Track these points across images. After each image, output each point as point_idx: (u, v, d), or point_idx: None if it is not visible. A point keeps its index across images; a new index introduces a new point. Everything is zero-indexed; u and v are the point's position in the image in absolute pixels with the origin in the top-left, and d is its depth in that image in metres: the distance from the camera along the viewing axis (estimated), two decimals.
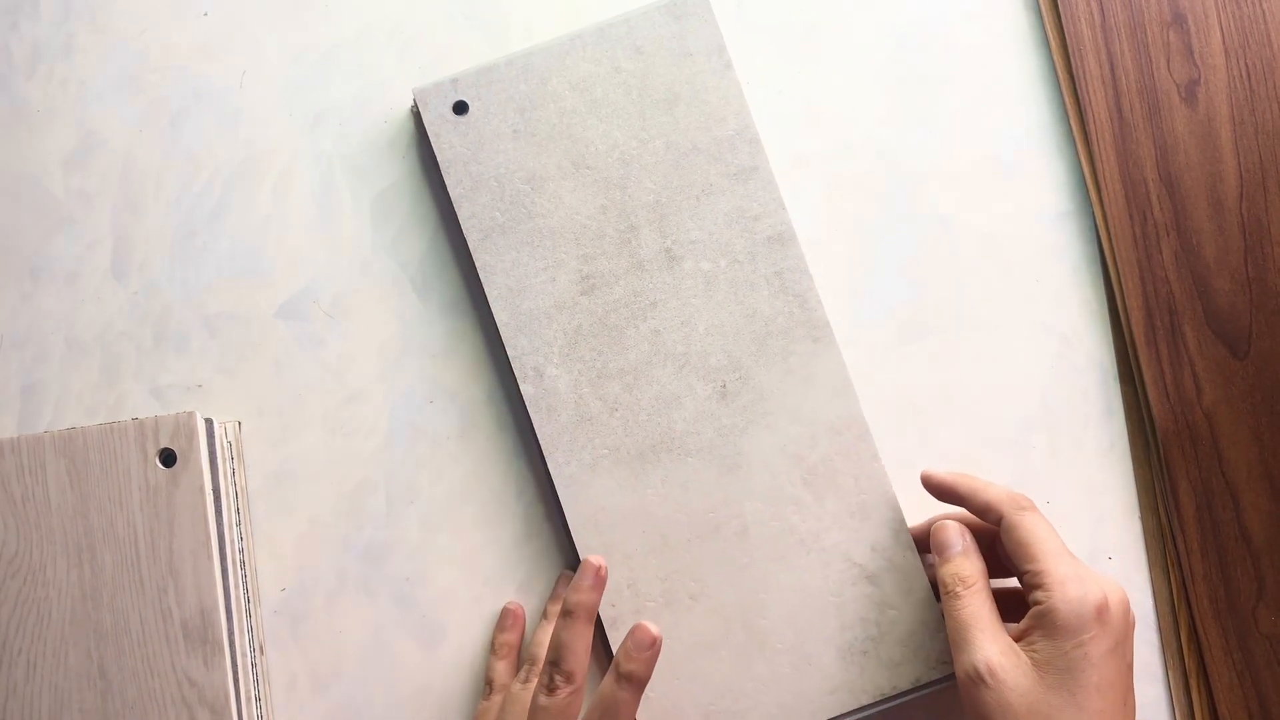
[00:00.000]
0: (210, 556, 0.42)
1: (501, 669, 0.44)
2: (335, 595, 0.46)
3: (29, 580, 0.42)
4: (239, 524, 0.45)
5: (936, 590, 0.41)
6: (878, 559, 0.42)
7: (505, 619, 0.45)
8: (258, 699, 0.44)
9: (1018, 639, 0.36)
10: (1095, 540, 0.46)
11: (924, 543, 0.42)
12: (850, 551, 0.42)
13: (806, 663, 0.41)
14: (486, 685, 0.44)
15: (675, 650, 0.42)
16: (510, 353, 0.44)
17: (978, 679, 0.35)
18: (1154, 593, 0.45)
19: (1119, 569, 0.46)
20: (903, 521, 0.42)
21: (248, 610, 0.44)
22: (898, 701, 0.41)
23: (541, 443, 0.43)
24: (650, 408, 0.43)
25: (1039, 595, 0.36)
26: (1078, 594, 0.35)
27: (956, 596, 0.37)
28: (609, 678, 0.38)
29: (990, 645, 0.36)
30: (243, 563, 0.44)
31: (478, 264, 0.44)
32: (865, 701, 0.41)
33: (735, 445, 0.43)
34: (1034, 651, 0.35)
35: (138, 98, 0.49)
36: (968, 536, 0.39)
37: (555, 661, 0.38)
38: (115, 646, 0.41)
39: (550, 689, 0.38)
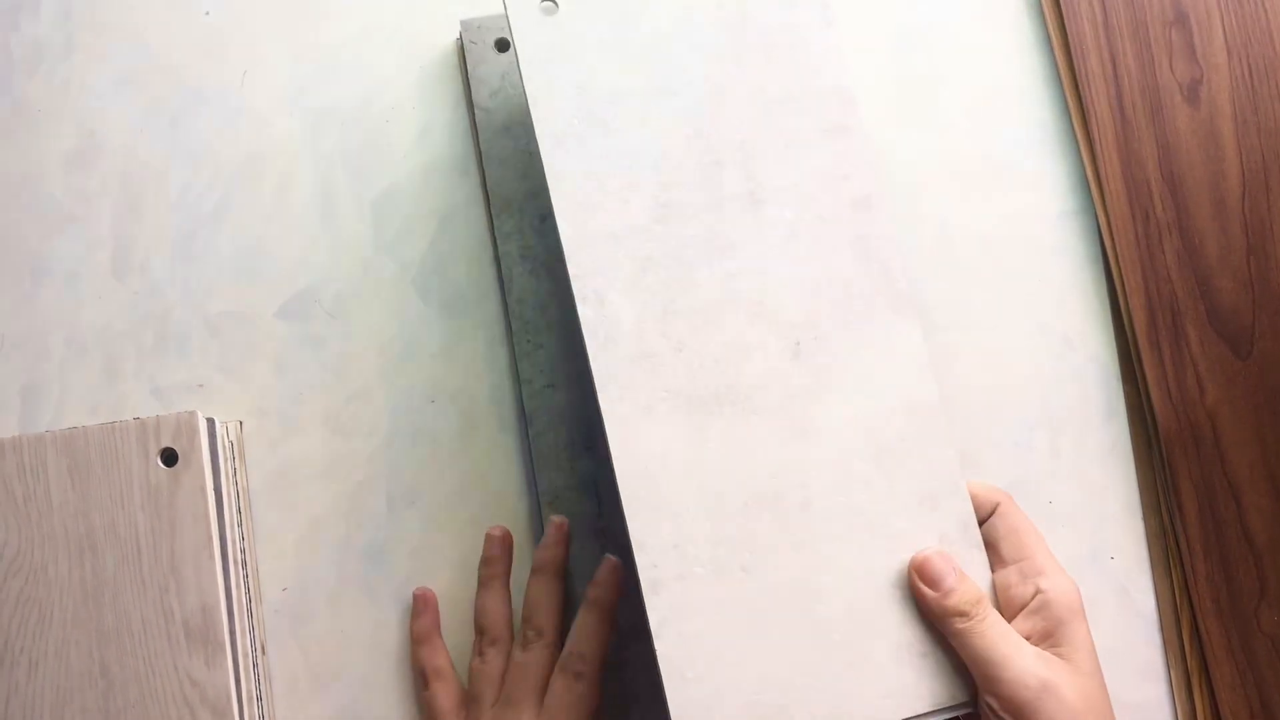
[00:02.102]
0: (212, 556, 0.42)
1: (428, 655, 0.44)
2: (336, 595, 0.46)
3: (31, 580, 0.42)
4: (240, 524, 0.45)
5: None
6: (945, 549, 0.38)
7: (417, 604, 0.45)
8: (259, 699, 0.44)
9: (1027, 636, 0.36)
10: (1097, 540, 0.46)
11: None
12: (918, 541, 0.38)
13: (864, 659, 0.37)
14: (420, 676, 0.44)
15: (720, 628, 0.37)
16: (571, 270, 0.39)
17: (1039, 692, 0.34)
18: (1156, 592, 0.45)
19: (1121, 569, 0.45)
20: (973, 516, 0.39)
21: (249, 610, 0.44)
22: (956, 714, 0.37)
23: (595, 376, 0.38)
24: (718, 354, 0.39)
25: (1040, 583, 0.37)
26: (1071, 582, 0.37)
27: (979, 620, 0.36)
28: (581, 607, 0.41)
29: (1029, 659, 0.35)
30: (244, 562, 0.44)
31: (548, 170, 0.40)
32: (921, 710, 0.37)
33: (805, 409, 0.39)
34: (1055, 645, 0.36)
35: (138, 98, 0.49)
36: (953, 560, 0.37)
37: (527, 618, 0.41)
38: (117, 646, 0.41)
39: (524, 644, 0.41)
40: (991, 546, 0.38)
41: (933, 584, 0.36)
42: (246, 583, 0.44)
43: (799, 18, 0.42)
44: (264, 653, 0.45)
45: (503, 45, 0.48)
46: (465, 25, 0.47)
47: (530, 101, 0.41)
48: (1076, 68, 0.47)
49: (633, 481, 0.38)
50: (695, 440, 0.38)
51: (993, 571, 0.38)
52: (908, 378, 0.40)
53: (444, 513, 0.46)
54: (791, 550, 0.38)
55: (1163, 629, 0.45)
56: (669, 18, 0.42)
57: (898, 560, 0.38)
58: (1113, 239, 0.47)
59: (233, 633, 0.42)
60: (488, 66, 0.48)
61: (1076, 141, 0.48)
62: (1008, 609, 0.37)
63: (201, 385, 0.47)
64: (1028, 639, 0.36)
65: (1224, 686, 0.44)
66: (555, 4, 0.41)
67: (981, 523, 0.39)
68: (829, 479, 0.38)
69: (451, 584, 0.46)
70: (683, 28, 0.42)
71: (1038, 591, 0.37)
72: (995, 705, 0.35)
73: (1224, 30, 0.47)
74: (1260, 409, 0.45)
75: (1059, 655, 0.36)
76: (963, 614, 0.36)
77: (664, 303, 0.39)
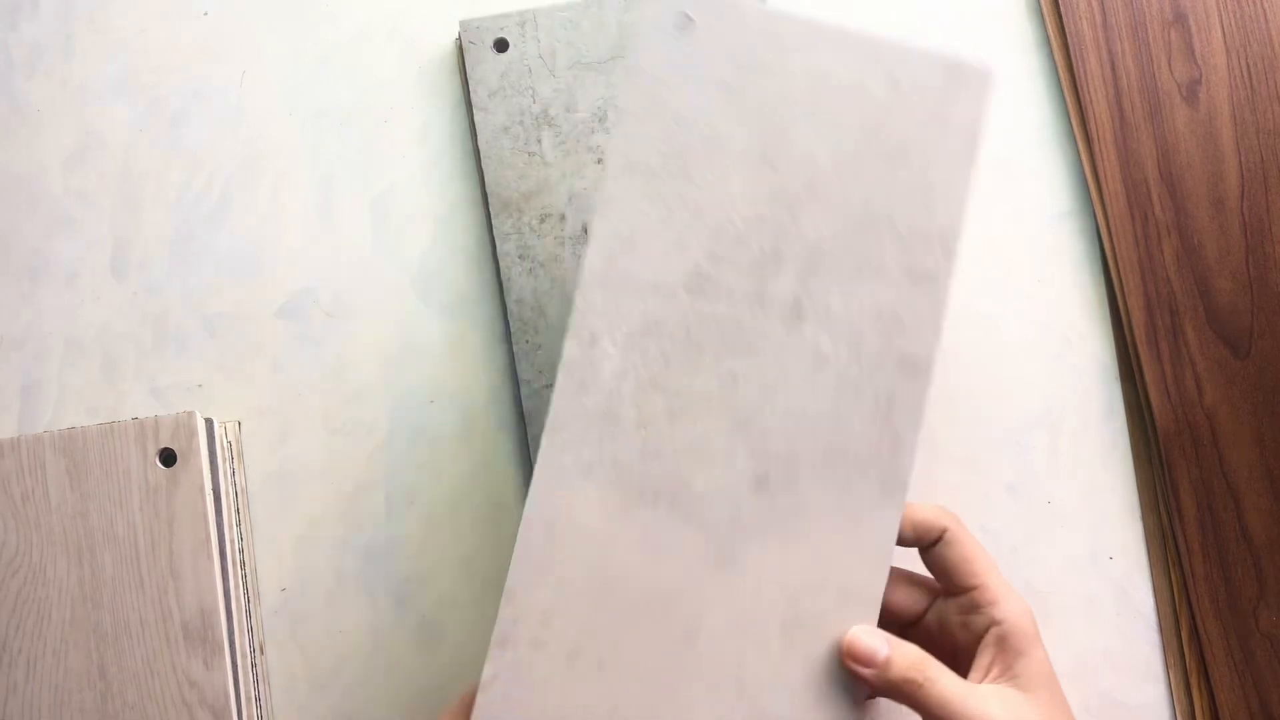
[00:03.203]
0: (210, 557, 0.42)
1: None
2: (335, 595, 0.46)
3: (29, 580, 0.42)
4: (239, 524, 0.45)
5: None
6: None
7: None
8: (258, 699, 0.44)
9: (988, 671, 0.36)
10: (1096, 540, 0.46)
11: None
12: None
13: None
14: None
15: (550, 712, 0.35)
16: (578, 302, 0.36)
17: None
18: (1155, 592, 0.45)
19: (1120, 569, 0.46)
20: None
21: (248, 610, 0.44)
22: None
23: (552, 417, 0.36)
24: (680, 448, 0.36)
25: (993, 613, 0.36)
26: (1024, 604, 0.36)
27: (929, 682, 0.34)
28: None
29: (989, 705, 0.34)
30: (243, 563, 0.44)
31: (603, 192, 0.37)
32: None
33: (740, 543, 0.36)
34: (1014, 678, 0.35)
35: (138, 98, 0.49)
36: (879, 632, 0.35)
37: None
38: (115, 647, 0.41)
39: None
40: (940, 573, 0.37)
41: (868, 662, 0.35)
42: (245, 583, 0.44)
43: (941, 142, 0.37)
44: (263, 653, 0.45)
45: (501, 45, 0.48)
46: (464, 25, 0.47)
47: (619, 113, 0.37)
48: (1075, 68, 0.48)
49: (535, 531, 0.35)
50: (616, 522, 0.36)
51: (944, 600, 0.38)
52: (859, 567, 0.36)
53: (443, 513, 0.46)
54: (657, 671, 0.35)
55: (1161, 629, 0.45)
56: (804, 84, 0.37)
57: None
58: (1111, 239, 0.47)
59: (231, 633, 0.42)
60: (486, 66, 0.48)
61: (1075, 141, 0.48)
62: (963, 641, 0.37)
63: (200, 385, 0.47)
64: (987, 673, 0.35)
65: (1222, 686, 0.44)
66: (693, 20, 0.37)
67: (928, 548, 0.37)
68: (726, 623, 0.35)
69: (451, 584, 0.46)
70: (814, 101, 0.37)
71: (992, 623, 0.36)
72: None
73: (1223, 30, 0.47)
74: (1259, 409, 0.45)
75: (1018, 688, 0.35)
76: (910, 680, 0.34)
77: (654, 373, 0.36)
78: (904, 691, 0.34)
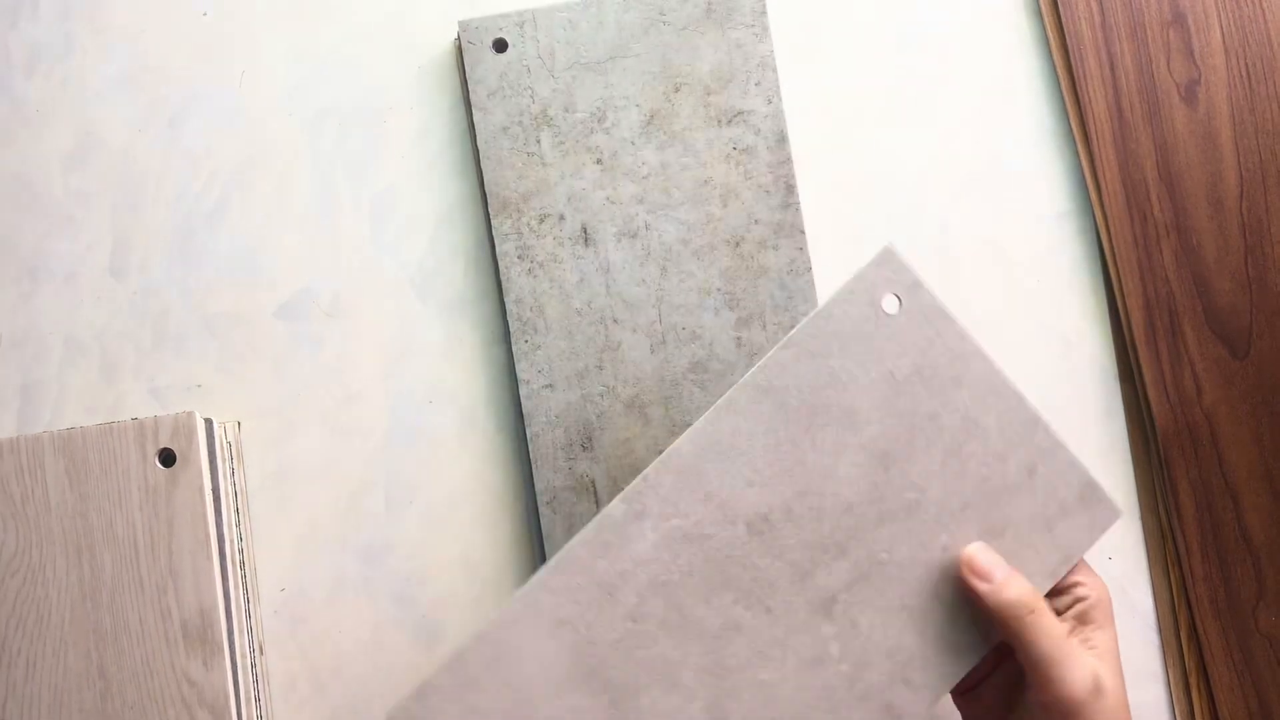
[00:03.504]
0: (210, 557, 0.42)
1: None
2: (335, 595, 0.46)
3: (28, 580, 0.42)
4: (238, 524, 0.45)
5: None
6: None
7: None
8: (257, 699, 0.44)
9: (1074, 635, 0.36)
10: None
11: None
12: None
13: None
14: None
15: None
16: (648, 473, 0.36)
17: (1092, 693, 0.34)
18: (1154, 593, 0.45)
19: (1119, 569, 0.45)
20: None
21: (247, 610, 0.44)
22: None
23: (562, 555, 0.36)
24: (650, 661, 0.35)
25: (1078, 590, 0.36)
26: (1103, 581, 0.37)
27: (1040, 614, 0.35)
28: None
29: (1086, 658, 0.34)
30: (242, 563, 0.44)
31: (729, 395, 0.36)
32: None
33: None
34: (1094, 647, 0.35)
35: (138, 98, 0.49)
36: (997, 556, 0.36)
37: None
38: (115, 647, 0.41)
39: None
40: None
41: (987, 577, 0.35)
42: (244, 583, 0.44)
43: (1042, 548, 0.37)
44: (262, 653, 0.45)
45: (500, 46, 0.48)
46: (463, 26, 0.48)
47: (787, 342, 0.37)
48: (1074, 68, 0.48)
49: (480, 654, 0.35)
50: (551, 687, 0.35)
51: None
52: None
53: (442, 513, 0.46)
54: None
55: (1161, 629, 0.45)
56: (956, 420, 0.37)
57: None
58: (1110, 239, 0.47)
59: (231, 633, 0.42)
60: (486, 67, 0.48)
61: (1074, 142, 0.48)
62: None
63: (200, 385, 0.47)
64: (1093, 648, 0.36)
65: (1222, 687, 0.44)
66: (900, 305, 0.37)
67: None
68: None
69: (450, 584, 0.46)
70: (956, 440, 0.37)
71: (1076, 599, 0.36)
72: (1046, 702, 0.34)
73: (1222, 31, 0.47)
74: (1258, 409, 0.45)
75: (1095, 656, 0.35)
76: (1023, 604, 0.34)
77: (672, 579, 0.36)
78: (1012, 614, 0.34)
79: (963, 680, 0.37)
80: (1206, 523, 0.45)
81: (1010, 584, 0.35)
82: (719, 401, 0.36)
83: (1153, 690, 0.45)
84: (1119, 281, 0.46)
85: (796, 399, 0.37)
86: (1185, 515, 0.45)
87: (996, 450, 0.37)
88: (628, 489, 0.36)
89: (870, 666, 0.36)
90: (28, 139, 0.49)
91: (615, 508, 0.36)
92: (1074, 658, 0.34)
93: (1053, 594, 0.37)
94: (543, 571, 0.35)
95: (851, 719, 0.35)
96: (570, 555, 0.35)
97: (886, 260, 0.37)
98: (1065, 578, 0.37)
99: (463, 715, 0.34)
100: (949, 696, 0.40)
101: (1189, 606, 0.44)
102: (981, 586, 0.35)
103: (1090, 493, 0.37)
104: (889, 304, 0.37)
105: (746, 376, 0.36)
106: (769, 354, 0.37)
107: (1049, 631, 0.34)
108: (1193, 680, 0.44)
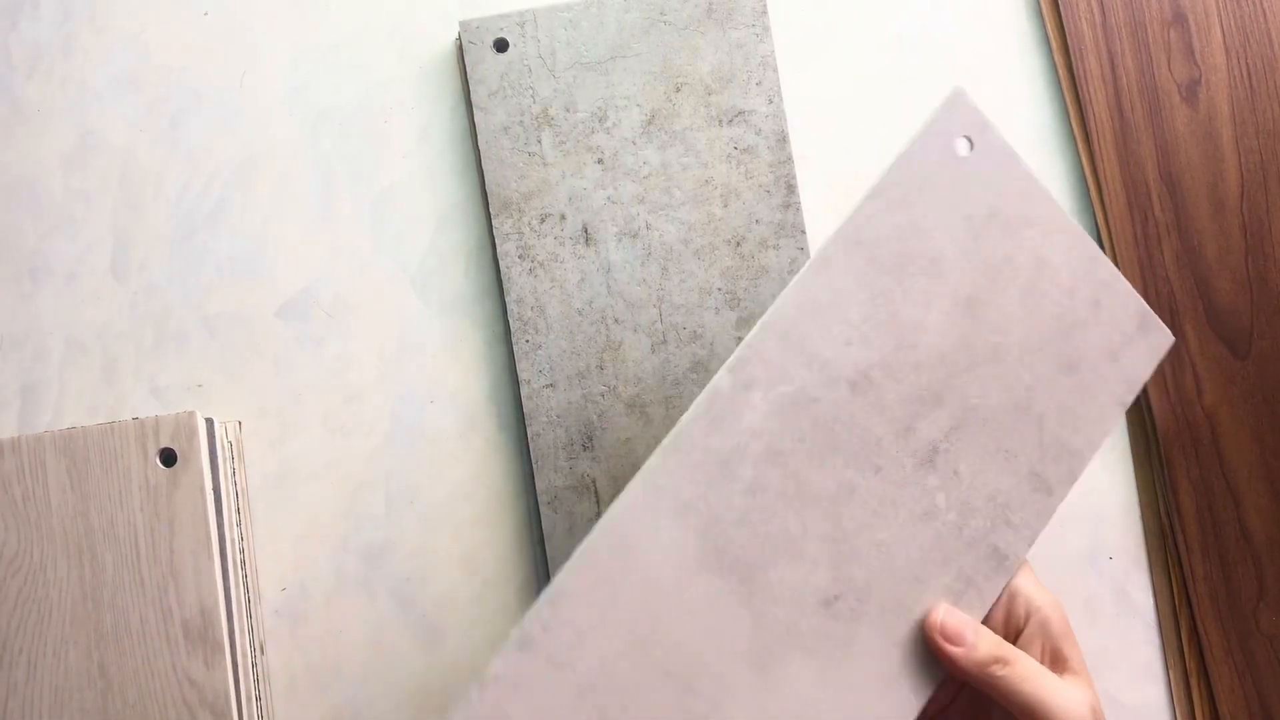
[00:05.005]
0: (210, 556, 0.42)
1: None
2: (335, 595, 0.46)
3: (29, 580, 0.42)
4: (239, 524, 0.45)
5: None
6: None
7: None
8: (258, 699, 0.44)
9: (1042, 661, 0.36)
10: (1095, 540, 0.46)
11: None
12: None
13: None
14: None
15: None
16: (750, 340, 0.35)
17: None
18: (1154, 592, 0.45)
19: (1119, 569, 0.46)
20: None
21: (248, 610, 0.44)
22: None
23: (673, 436, 0.35)
24: (774, 533, 0.35)
25: (1030, 606, 0.36)
26: (1053, 595, 0.37)
27: (1014, 663, 0.35)
28: None
29: (1066, 691, 0.35)
30: (243, 562, 0.44)
31: (821, 251, 0.36)
32: None
33: (783, 655, 0.34)
34: (1067, 662, 0.36)
35: (138, 98, 0.49)
36: (964, 614, 0.36)
37: None
38: (116, 646, 0.41)
39: None
40: None
41: (958, 640, 0.35)
42: (245, 583, 0.44)
43: (1111, 377, 0.37)
44: (263, 653, 0.45)
45: (501, 45, 0.48)
46: (464, 26, 0.48)
47: (873, 193, 0.37)
48: (1075, 68, 0.48)
49: (605, 547, 0.34)
50: (681, 572, 0.34)
51: None
52: (876, 699, 0.35)
53: (443, 513, 0.46)
54: None
55: (1161, 629, 0.45)
56: (1030, 260, 0.37)
57: None
58: (1111, 239, 0.47)
59: (232, 633, 0.42)
60: (486, 66, 0.48)
61: (1075, 142, 0.48)
62: (1006, 639, 0.37)
63: (200, 385, 0.47)
64: (1041, 662, 0.36)
65: (1222, 687, 0.44)
66: (972, 147, 0.37)
67: None
68: None
69: (451, 584, 0.46)
70: (1031, 280, 0.37)
71: (1029, 614, 0.36)
72: None
73: (1222, 31, 0.47)
74: (1258, 409, 0.45)
75: (1073, 673, 0.35)
76: (999, 659, 0.35)
77: (785, 447, 0.35)
78: (986, 673, 0.35)
79: (924, 710, 0.37)
80: (1207, 522, 0.45)
81: (981, 643, 0.35)
82: (812, 259, 0.36)
83: (1153, 690, 0.45)
84: None
85: (885, 250, 0.36)
86: (1186, 515, 0.45)
87: (1066, 287, 0.38)
88: (732, 358, 0.35)
89: (975, 513, 0.36)
90: (28, 139, 0.49)
91: (722, 379, 0.35)
92: (1056, 696, 0.34)
93: (1004, 607, 0.37)
94: (655, 457, 0.34)
95: (963, 566, 0.36)
96: (684, 433, 0.34)
97: (957, 102, 0.37)
98: (1015, 601, 0.37)
99: (597, 615, 0.33)
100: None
101: (1189, 606, 0.44)
102: (955, 651, 0.35)
103: (1147, 320, 0.38)
104: (961, 147, 0.37)
105: (837, 230, 0.36)
106: (856, 206, 0.36)
107: (1028, 677, 0.34)
108: (1193, 680, 0.44)
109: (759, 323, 0.35)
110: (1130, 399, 0.38)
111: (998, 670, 0.34)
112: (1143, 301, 0.39)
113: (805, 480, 0.35)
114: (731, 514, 0.35)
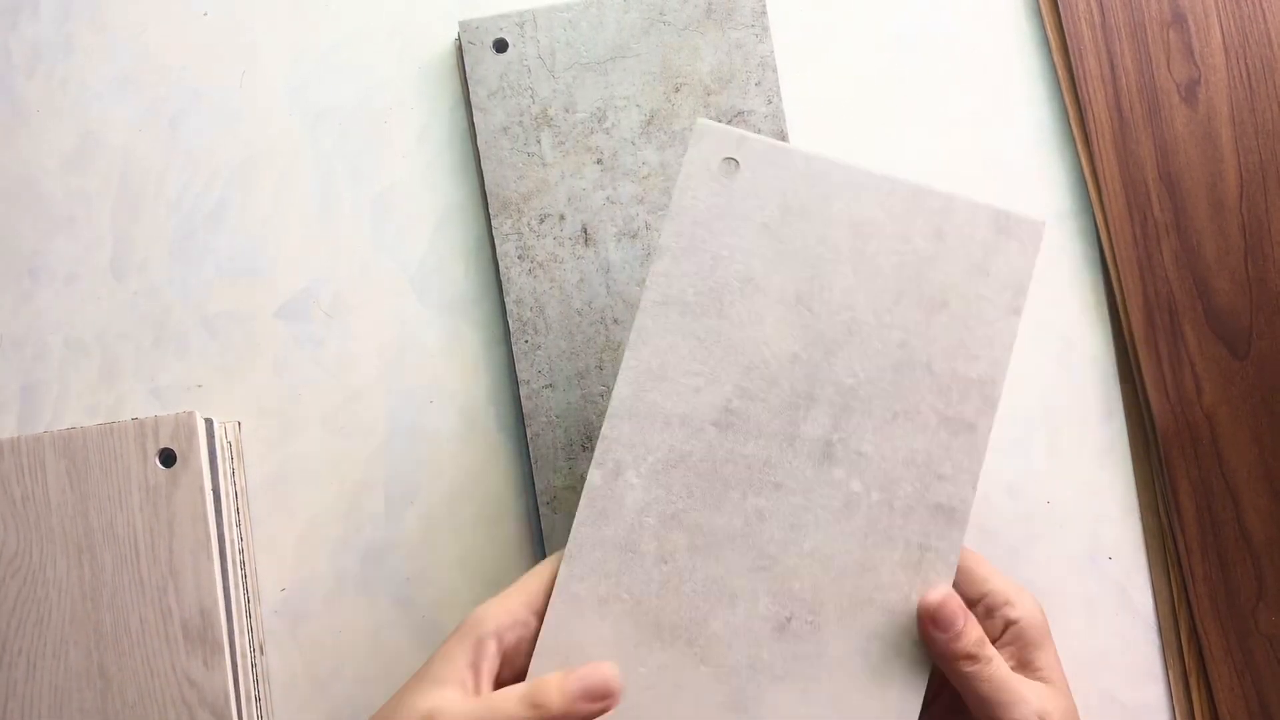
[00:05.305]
0: (210, 556, 0.42)
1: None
2: (335, 595, 0.46)
3: (29, 580, 0.42)
4: (239, 524, 0.45)
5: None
6: None
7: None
8: (258, 699, 0.44)
9: (1017, 667, 0.37)
10: (1095, 540, 0.46)
11: None
12: None
13: None
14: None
15: None
16: (605, 431, 0.36)
17: None
18: (1154, 592, 0.45)
19: (1119, 569, 0.46)
20: None
21: (248, 610, 0.44)
22: None
23: (571, 543, 0.36)
24: (701, 587, 0.35)
25: (1009, 613, 0.37)
26: (1034, 601, 0.37)
27: (986, 661, 0.35)
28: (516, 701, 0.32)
29: (1031, 692, 0.35)
30: (243, 563, 0.44)
31: (637, 326, 0.37)
32: None
33: (758, 688, 0.35)
34: (1035, 670, 0.36)
35: (138, 98, 0.49)
36: (960, 600, 0.36)
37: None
38: (115, 646, 0.41)
39: None
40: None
41: (946, 628, 0.35)
42: (245, 583, 0.44)
43: (985, 291, 0.37)
44: (263, 653, 0.45)
45: (501, 46, 0.48)
46: (464, 26, 0.48)
47: (658, 252, 0.37)
48: (1074, 68, 0.48)
49: (544, 659, 0.35)
50: (629, 657, 0.35)
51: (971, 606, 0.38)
52: (881, 716, 0.35)
53: (442, 513, 0.46)
54: None
55: (1161, 629, 0.45)
56: (845, 231, 0.37)
57: None
58: (1110, 239, 0.47)
59: (231, 633, 0.42)
60: (486, 67, 0.48)
61: (1074, 142, 0.48)
62: None
63: (200, 385, 0.47)
64: (1039, 673, 0.36)
65: (1222, 687, 0.44)
66: (738, 164, 0.37)
67: None
68: None
69: (451, 584, 0.46)
70: (855, 247, 0.37)
71: (1008, 623, 0.37)
72: None
73: (1222, 31, 0.47)
74: (1258, 409, 0.45)
75: (1039, 679, 0.36)
76: (971, 657, 0.35)
77: (677, 508, 0.36)
78: (964, 667, 0.35)
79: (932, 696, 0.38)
80: (1206, 523, 0.45)
81: (962, 638, 0.35)
82: (629, 338, 0.37)
83: (1153, 690, 0.45)
84: (1119, 281, 0.46)
85: (693, 297, 0.37)
86: (1185, 515, 0.45)
87: (896, 234, 0.37)
88: (596, 454, 0.36)
89: (899, 482, 0.36)
90: (28, 139, 0.49)
91: (593, 477, 0.36)
92: (1019, 697, 0.35)
93: (983, 617, 0.37)
94: (561, 570, 0.35)
95: (909, 535, 0.36)
96: (577, 540, 0.35)
97: (703, 133, 0.37)
98: (992, 597, 0.37)
99: None
100: None
101: (1189, 606, 0.44)
102: (938, 637, 0.35)
103: (1004, 221, 0.37)
104: (727, 170, 0.37)
105: (641, 301, 0.37)
106: (649, 271, 0.37)
107: (990, 676, 0.35)
108: (1193, 680, 0.44)
109: (606, 414, 0.36)
110: (1021, 301, 0.37)
111: (966, 666, 0.35)
112: (991, 206, 0.37)
113: (710, 527, 0.36)
114: (652, 588, 0.35)
